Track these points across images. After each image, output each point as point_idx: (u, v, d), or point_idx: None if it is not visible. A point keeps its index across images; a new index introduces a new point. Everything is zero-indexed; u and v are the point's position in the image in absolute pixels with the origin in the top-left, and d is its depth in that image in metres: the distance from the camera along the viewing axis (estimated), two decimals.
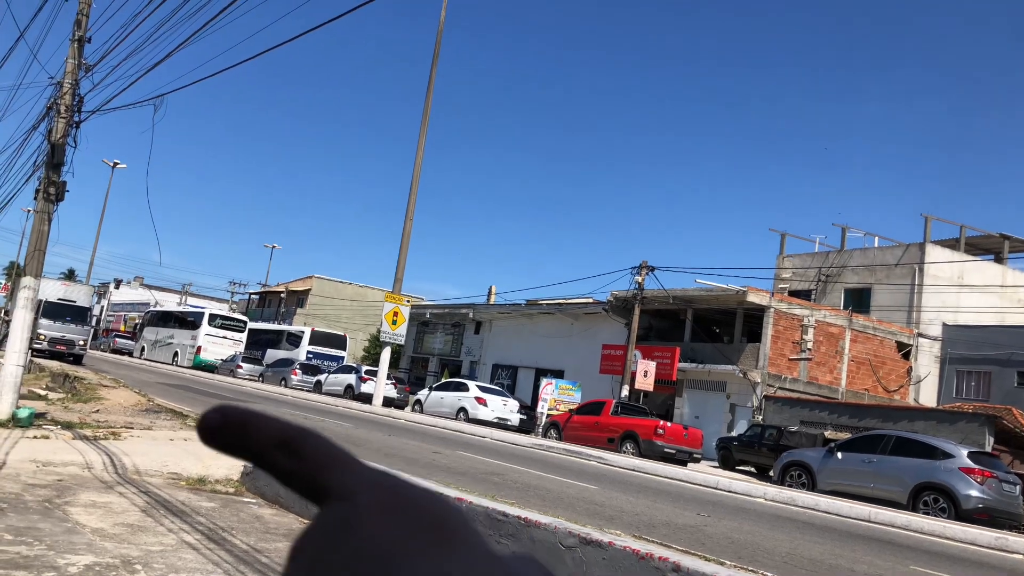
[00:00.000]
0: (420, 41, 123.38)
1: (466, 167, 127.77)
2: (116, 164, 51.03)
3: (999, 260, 37.50)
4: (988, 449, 19.88)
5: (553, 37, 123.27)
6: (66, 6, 13.22)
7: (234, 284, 72.37)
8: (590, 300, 34.92)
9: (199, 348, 38.31)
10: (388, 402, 26.43)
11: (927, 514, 15.15)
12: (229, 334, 39.47)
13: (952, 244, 36.39)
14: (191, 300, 72.96)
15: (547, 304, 37.79)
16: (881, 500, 16.02)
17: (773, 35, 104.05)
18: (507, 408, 25.87)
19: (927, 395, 31.25)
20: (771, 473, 19.93)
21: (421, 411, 26.71)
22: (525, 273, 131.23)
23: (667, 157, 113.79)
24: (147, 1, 12.28)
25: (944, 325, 31.62)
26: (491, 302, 43.89)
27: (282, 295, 64.64)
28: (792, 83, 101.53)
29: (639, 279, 29.55)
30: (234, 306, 69.72)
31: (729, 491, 15.01)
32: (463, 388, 26.48)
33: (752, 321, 29.65)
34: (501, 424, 24.71)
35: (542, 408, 27.24)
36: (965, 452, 16.37)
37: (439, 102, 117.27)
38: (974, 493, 15.41)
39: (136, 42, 12.99)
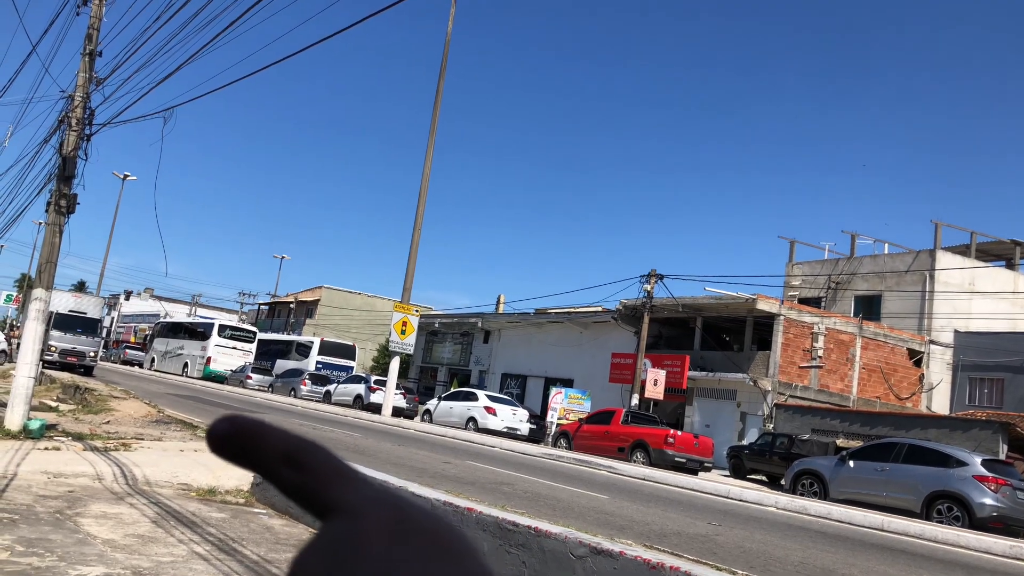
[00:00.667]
0: (430, 48, 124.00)
1: (474, 175, 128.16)
2: (127, 176, 51.36)
3: (1011, 266, 37.28)
4: (1002, 457, 19.73)
5: (561, 45, 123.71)
6: (77, 20, 13.35)
7: (243, 295, 72.61)
8: (599, 309, 34.86)
9: (209, 359, 38.39)
10: (397, 412, 26.41)
11: (941, 523, 15.02)
12: (239, 345, 39.55)
13: (963, 250, 36.20)
14: (201, 311, 73.16)
15: (556, 313, 37.78)
16: (894, 509, 15.91)
17: (780, 40, 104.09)
18: (516, 418, 25.83)
19: (939, 402, 31.04)
20: (783, 482, 19.80)
21: (430, 421, 26.69)
22: (534, 282, 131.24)
23: (675, 165, 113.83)
24: (157, 15, 12.40)
25: (956, 332, 31.43)
26: (500, 311, 43.92)
27: (291, 305, 64.84)
28: (800, 88, 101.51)
29: (648, 287, 29.49)
30: (244, 317, 69.93)
31: (740, 500, 14.93)
32: (472, 398, 26.45)
33: (762, 329, 29.55)
34: (511, 434, 24.67)
35: (552, 417, 27.20)
36: (979, 460, 16.24)
37: (447, 110, 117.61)
38: (988, 501, 15.27)
39: (146, 55, 13.05)
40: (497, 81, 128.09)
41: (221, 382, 36.33)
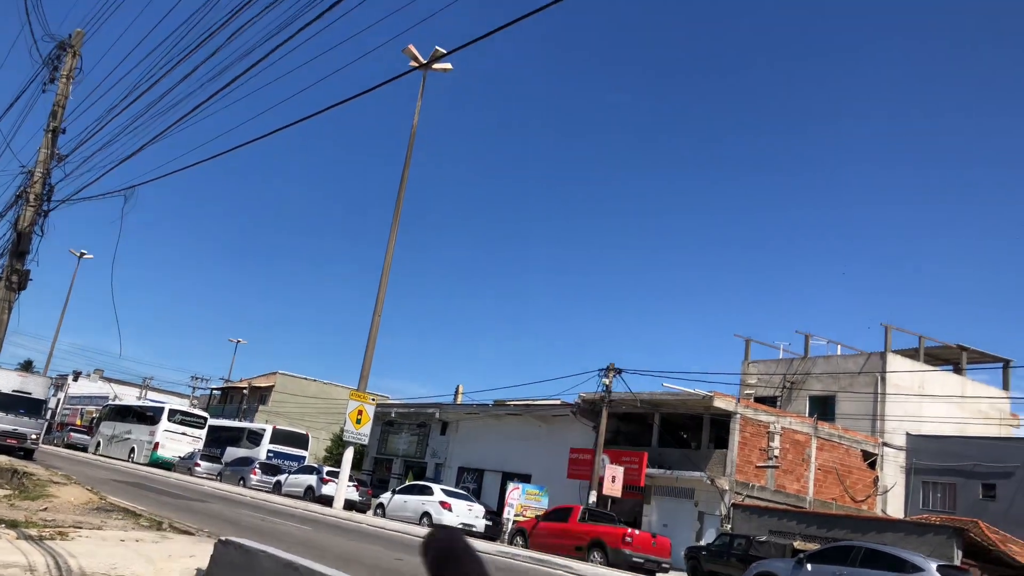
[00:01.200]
0: (391, 136, 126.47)
1: (436, 265, 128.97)
2: (83, 254, 50.75)
3: (958, 371, 38.20)
4: (957, 563, 19.73)
5: (519, 137, 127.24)
6: (43, 97, 13.48)
7: (196, 379, 71.10)
8: (558, 402, 34.70)
9: (157, 444, 37.24)
10: (349, 505, 25.69)
11: None
12: (188, 430, 38.52)
13: (912, 354, 37.09)
14: (151, 394, 71.35)
15: (515, 405, 37.49)
16: None
17: (735, 137, 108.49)
18: (472, 513, 25.24)
19: (894, 505, 31.14)
20: None
21: (383, 515, 25.96)
22: (493, 373, 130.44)
23: (634, 259, 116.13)
24: (124, 95, 12.59)
25: (908, 435, 31.86)
26: (458, 402, 43.46)
27: (245, 391, 63.49)
28: (756, 189, 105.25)
29: (607, 381, 29.51)
30: (195, 401, 68.26)
31: None
32: (427, 491, 25.86)
33: (719, 427, 29.60)
34: (466, 530, 24.06)
35: (508, 514, 26.64)
36: (934, 565, 16.20)
37: (410, 198, 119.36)
38: None
39: (111, 133, 13.19)
40: (460, 170, 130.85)
41: (168, 469, 35.14)
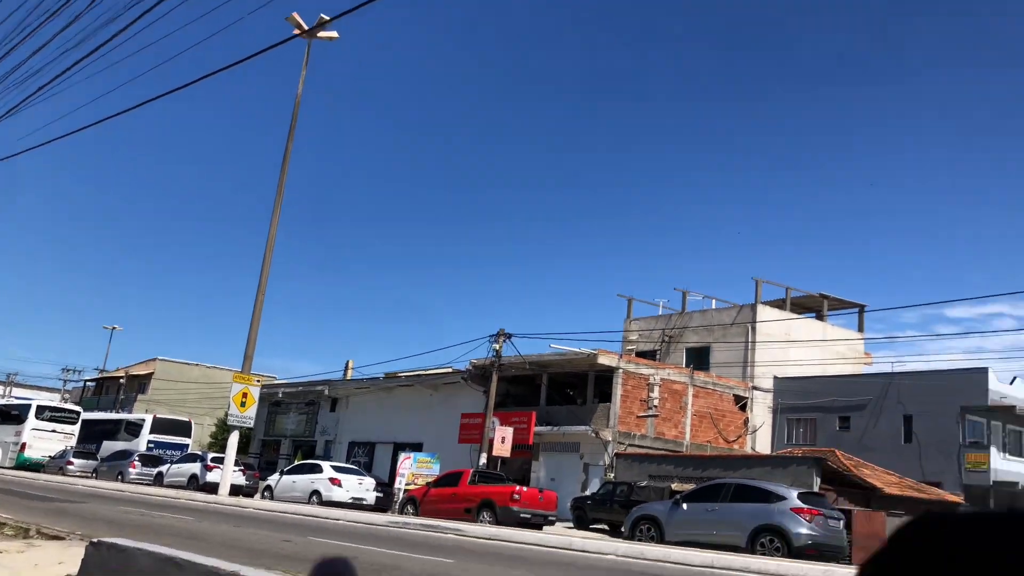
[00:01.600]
0: (276, 108, 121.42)
1: (320, 230, 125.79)
2: None
3: (820, 317, 40.95)
4: (815, 489, 21.43)
5: (412, 111, 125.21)
6: None
7: (67, 371, 67.35)
8: (449, 370, 35.00)
9: (23, 445, 35.23)
10: (236, 490, 25.18)
11: (764, 554, 16.09)
12: (59, 427, 36.64)
13: (779, 304, 39.43)
14: (17, 391, 67.08)
15: (406, 376, 37.55)
16: (724, 546, 16.87)
17: (616, 111, 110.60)
18: (363, 487, 25.29)
19: (763, 443, 33.34)
20: (622, 529, 20.50)
21: (271, 497, 25.66)
22: (385, 347, 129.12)
23: (518, 226, 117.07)
24: None
25: (775, 378, 34.04)
26: (348, 378, 43.10)
27: (122, 380, 60.69)
28: (635, 159, 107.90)
29: (497, 347, 30.02)
30: (67, 396, 64.78)
31: (583, 551, 15.38)
32: (316, 470, 25.71)
33: (603, 382, 30.74)
34: (357, 504, 24.12)
35: (400, 483, 26.86)
36: (795, 493, 17.61)
37: (293, 176, 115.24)
38: (804, 531, 16.56)
39: None
40: (346, 137, 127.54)
41: (38, 470, 33.34)
